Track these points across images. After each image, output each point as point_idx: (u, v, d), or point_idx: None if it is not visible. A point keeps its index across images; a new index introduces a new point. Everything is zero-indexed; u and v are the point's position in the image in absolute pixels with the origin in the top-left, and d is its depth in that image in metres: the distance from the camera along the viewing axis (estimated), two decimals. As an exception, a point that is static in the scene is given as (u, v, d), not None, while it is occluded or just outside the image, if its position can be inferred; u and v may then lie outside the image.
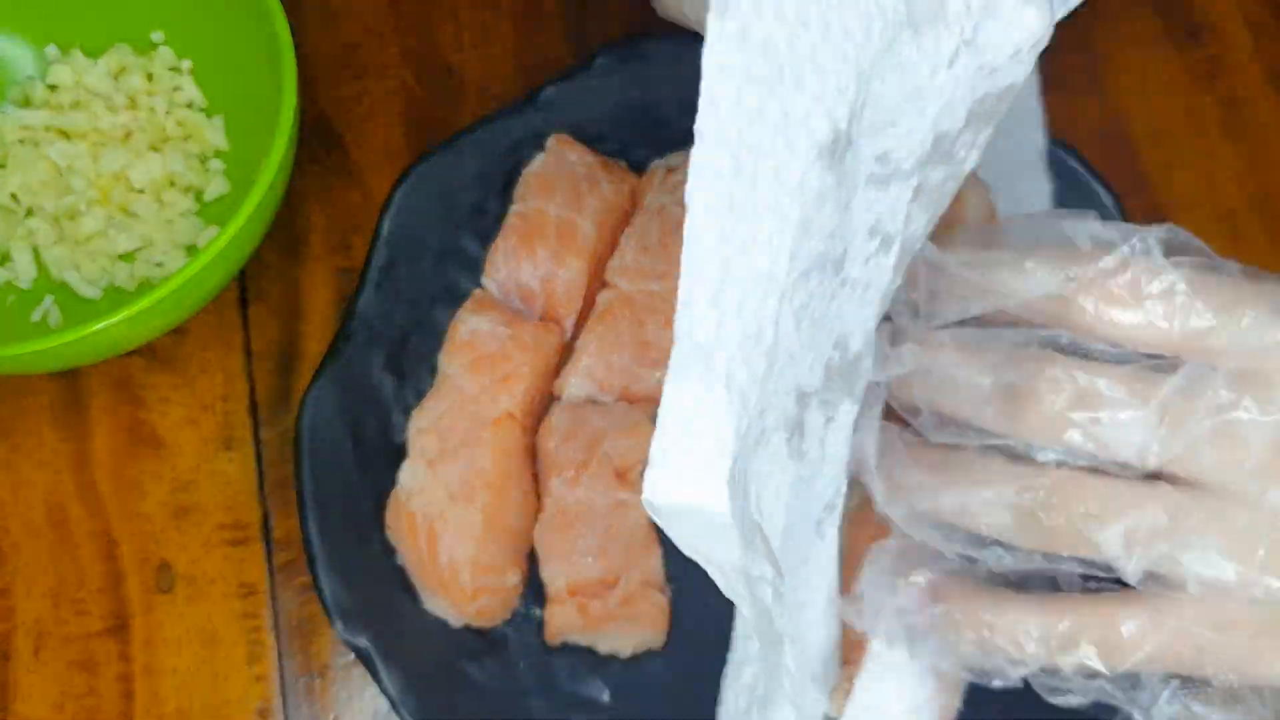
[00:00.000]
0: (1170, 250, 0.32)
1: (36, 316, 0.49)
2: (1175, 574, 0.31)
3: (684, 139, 0.52)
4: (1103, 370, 0.31)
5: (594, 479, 0.43)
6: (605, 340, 0.46)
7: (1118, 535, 0.31)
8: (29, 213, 0.50)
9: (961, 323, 0.35)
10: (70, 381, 0.49)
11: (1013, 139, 0.45)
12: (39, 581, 0.47)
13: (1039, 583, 0.34)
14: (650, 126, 0.51)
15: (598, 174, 0.48)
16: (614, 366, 0.46)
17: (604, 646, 0.44)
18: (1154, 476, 0.32)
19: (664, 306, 0.46)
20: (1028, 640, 0.33)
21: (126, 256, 0.50)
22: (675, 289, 0.46)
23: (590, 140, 0.51)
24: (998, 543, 0.34)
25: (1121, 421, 0.31)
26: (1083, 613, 0.32)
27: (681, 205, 0.47)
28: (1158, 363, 0.32)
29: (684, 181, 0.48)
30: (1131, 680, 0.32)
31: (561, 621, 0.43)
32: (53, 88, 0.51)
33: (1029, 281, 0.33)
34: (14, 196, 0.50)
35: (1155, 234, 0.32)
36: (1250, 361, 0.31)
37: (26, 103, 0.51)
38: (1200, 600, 0.31)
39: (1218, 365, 0.31)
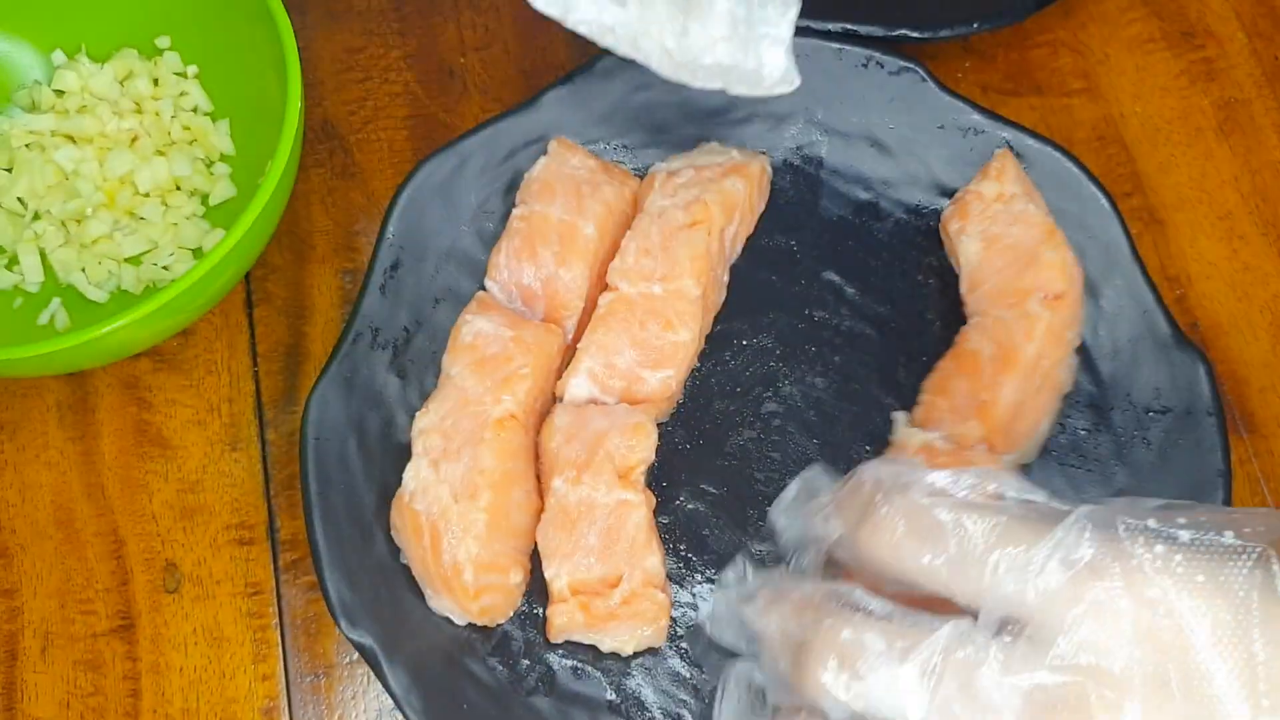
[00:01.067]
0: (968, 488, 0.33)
1: (44, 319, 0.49)
2: None
3: (684, 142, 0.53)
4: (873, 624, 0.32)
5: (596, 479, 0.44)
6: (606, 342, 0.46)
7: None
8: (36, 216, 0.50)
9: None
10: (77, 383, 0.50)
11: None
12: (46, 581, 0.47)
13: None
14: (651, 130, 0.52)
15: (599, 177, 0.49)
16: (615, 368, 0.46)
17: (606, 645, 0.44)
18: None
19: (665, 308, 0.47)
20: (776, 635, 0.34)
21: (133, 260, 0.50)
22: (676, 291, 0.47)
23: (592, 143, 0.51)
24: None
25: (882, 681, 0.31)
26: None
27: (683, 208, 0.48)
28: (935, 618, 0.31)
29: (684, 185, 0.49)
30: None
31: (563, 620, 0.43)
32: (59, 93, 0.52)
33: (829, 527, 0.35)
34: (21, 200, 0.50)
35: (930, 480, 0.33)
36: (1012, 614, 0.30)
37: (33, 107, 0.52)
38: None
39: (980, 616, 0.31)
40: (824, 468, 0.38)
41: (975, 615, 0.31)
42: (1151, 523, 0.31)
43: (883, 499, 0.33)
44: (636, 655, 0.45)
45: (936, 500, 0.32)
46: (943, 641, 0.31)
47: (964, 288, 0.48)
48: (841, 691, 0.31)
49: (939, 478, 0.33)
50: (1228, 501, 0.45)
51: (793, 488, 0.38)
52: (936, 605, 0.32)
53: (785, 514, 0.38)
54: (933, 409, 0.46)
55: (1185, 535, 0.30)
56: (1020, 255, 0.47)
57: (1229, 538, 0.30)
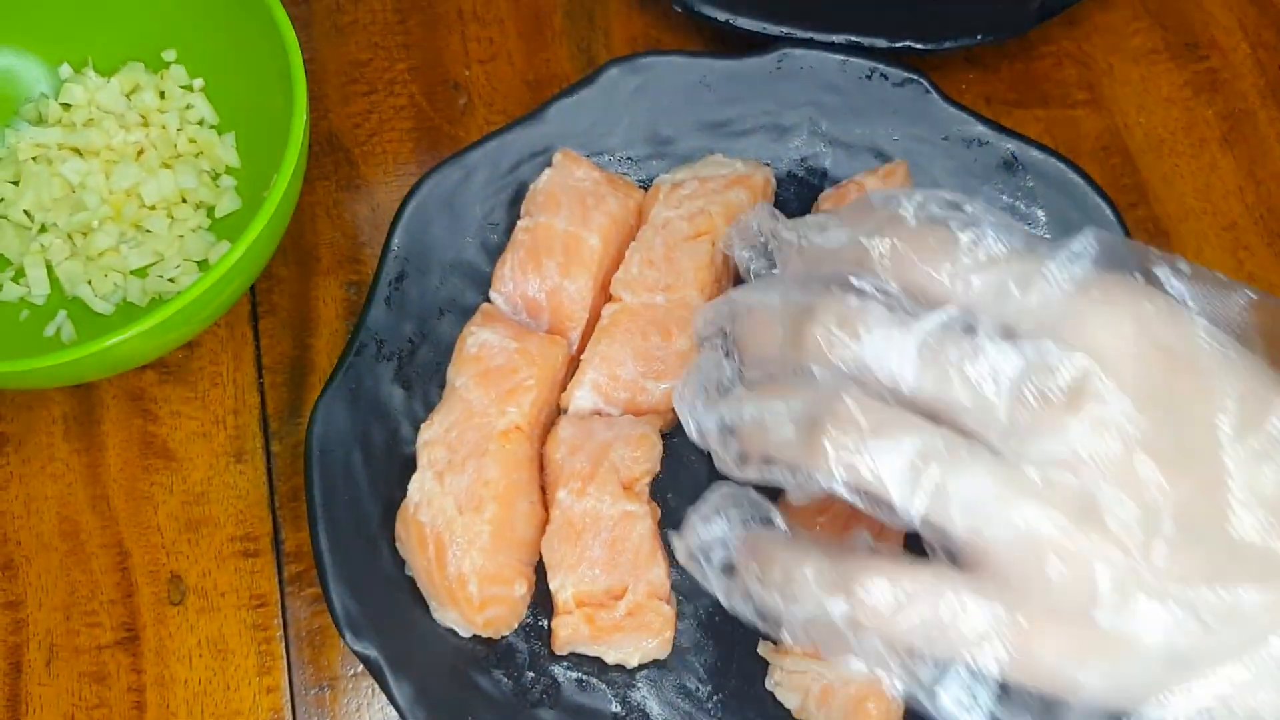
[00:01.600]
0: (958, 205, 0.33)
1: (50, 331, 0.49)
2: (946, 517, 0.30)
3: (689, 154, 0.53)
4: (874, 303, 0.32)
5: (600, 490, 0.44)
6: (611, 353, 0.46)
7: (893, 465, 0.30)
8: (43, 229, 0.51)
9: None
10: (83, 395, 0.50)
11: None
12: (51, 594, 0.47)
13: None
14: (656, 142, 0.52)
15: (603, 189, 0.49)
16: (620, 379, 0.46)
17: (611, 657, 0.44)
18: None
19: (669, 319, 0.47)
20: (802, 581, 0.32)
21: (139, 272, 0.50)
22: (680, 302, 0.47)
23: (596, 155, 0.51)
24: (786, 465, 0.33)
25: (880, 342, 0.31)
26: (860, 563, 0.31)
27: (687, 220, 0.48)
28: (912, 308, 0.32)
29: (689, 196, 0.49)
30: (911, 653, 0.31)
31: (568, 632, 0.43)
32: (66, 106, 0.52)
33: (828, 236, 0.34)
34: (28, 213, 0.51)
35: (941, 195, 0.33)
36: (1011, 315, 0.31)
37: (40, 120, 0.52)
38: (974, 575, 0.30)
39: (980, 315, 0.31)
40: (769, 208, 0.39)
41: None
42: (1155, 250, 0.31)
43: (891, 203, 0.33)
44: (642, 667, 0.45)
45: (949, 212, 0.32)
46: (947, 317, 0.31)
47: None
48: (838, 349, 0.31)
49: (949, 195, 0.33)
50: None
51: (748, 217, 0.39)
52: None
53: (740, 240, 0.39)
54: None
55: (1185, 267, 0.31)
56: None
57: (1223, 277, 0.31)
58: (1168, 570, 0.28)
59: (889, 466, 0.30)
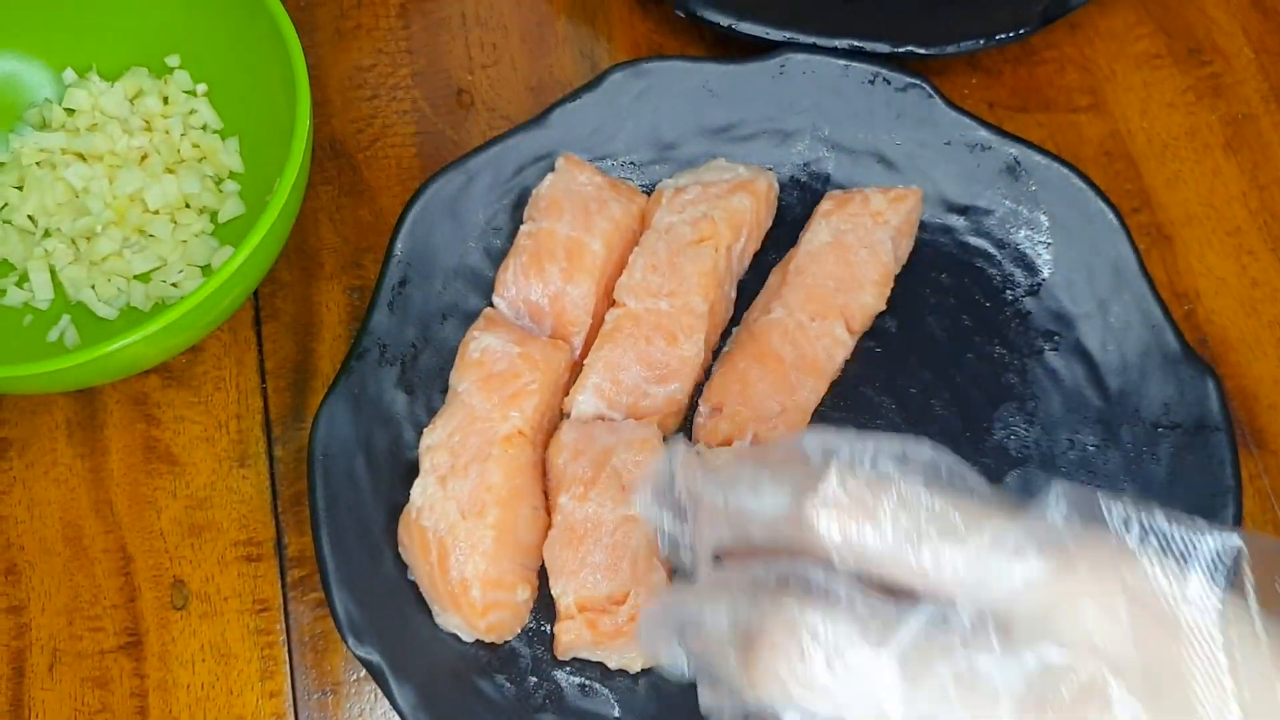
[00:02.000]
0: (906, 462, 0.29)
1: (53, 336, 0.49)
2: None
3: (691, 159, 0.53)
4: (840, 608, 0.28)
5: (602, 495, 0.44)
6: (614, 358, 0.46)
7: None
8: (46, 234, 0.51)
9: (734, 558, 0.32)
10: (86, 400, 0.50)
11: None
12: (54, 598, 0.47)
13: None
14: (659, 147, 0.52)
15: (606, 194, 0.49)
16: (622, 383, 0.46)
17: (614, 662, 0.44)
18: None
19: (672, 324, 0.47)
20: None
21: (142, 277, 0.50)
22: (682, 307, 0.47)
23: (599, 160, 0.51)
24: None
25: (854, 672, 0.27)
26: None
27: (690, 225, 0.48)
28: (901, 605, 0.28)
29: (692, 201, 0.49)
30: None
31: (571, 637, 0.43)
32: (70, 111, 0.52)
33: (763, 501, 0.30)
34: (31, 218, 0.51)
35: (889, 446, 0.29)
36: (993, 602, 0.28)
37: (44, 125, 0.52)
38: None
39: (958, 603, 0.28)
40: (687, 445, 0.34)
41: (942, 602, 0.28)
42: (1129, 506, 0.29)
43: (836, 470, 0.29)
44: (644, 673, 0.45)
45: (894, 476, 0.29)
46: (924, 624, 0.27)
47: (792, 266, 0.48)
48: (805, 686, 0.27)
49: (891, 446, 0.30)
50: (1238, 518, 0.45)
51: (663, 466, 0.33)
52: (896, 593, 0.29)
53: (656, 498, 0.33)
54: (737, 413, 0.46)
55: (1162, 521, 0.28)
56: (850, 275, 0.48)
57: (1202, 525, 0.28)
58: None
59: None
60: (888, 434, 0.30)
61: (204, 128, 0.52)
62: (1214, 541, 0.28)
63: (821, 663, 0.27)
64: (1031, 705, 0.27)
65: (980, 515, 0.28)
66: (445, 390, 0.46)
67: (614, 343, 0.47)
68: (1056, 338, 0.49)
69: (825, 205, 0.50)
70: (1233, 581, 0.28)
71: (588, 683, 0.45)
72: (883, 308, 0.49)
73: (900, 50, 0.52)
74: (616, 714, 0.44)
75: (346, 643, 0.43)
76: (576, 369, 0.47)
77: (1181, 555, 0.28)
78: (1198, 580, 0.28)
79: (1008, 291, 0.50)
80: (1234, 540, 0.28)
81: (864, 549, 0.28)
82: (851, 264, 0.48)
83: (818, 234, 0.49)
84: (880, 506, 0.28)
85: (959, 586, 0.28)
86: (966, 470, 0.30)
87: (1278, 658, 0.27)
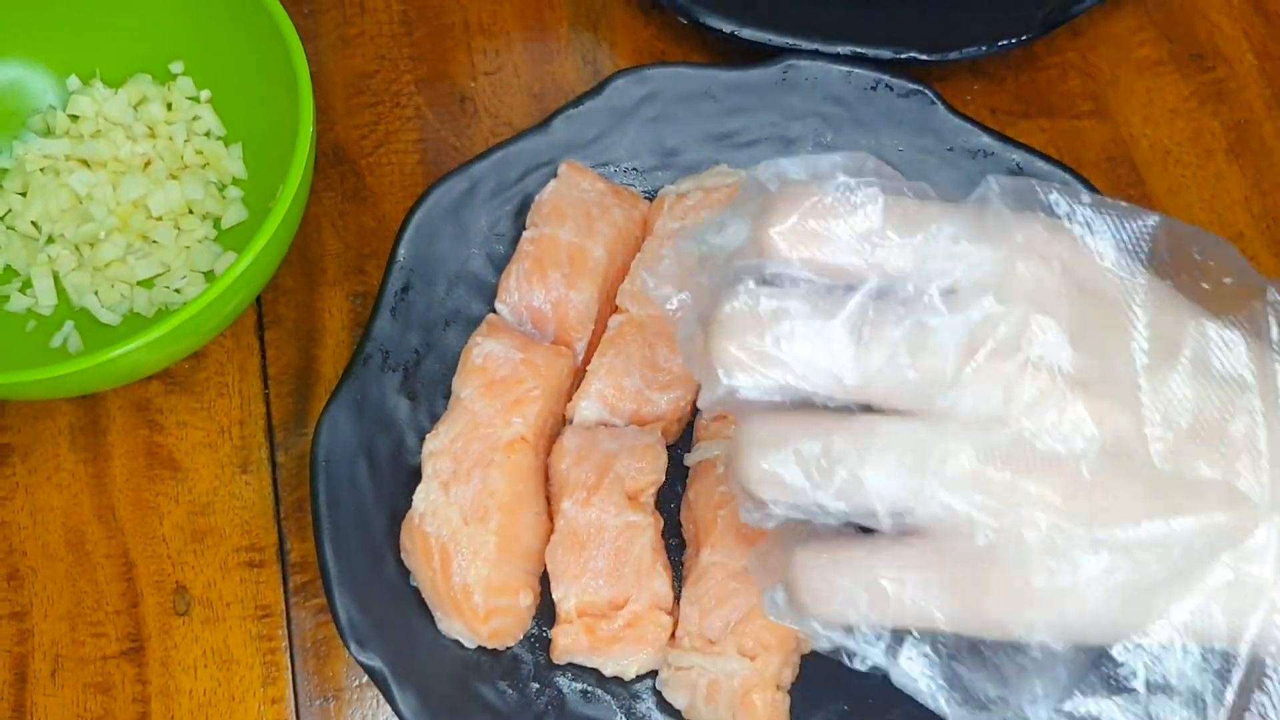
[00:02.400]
0: (853, 173, 0.31)
1: (56, 342, 0.49)
2: (867, 512, 0.29)
3: (694, 165, 0.53)
4: (790, 293, 0.29)
5: (605, 501, 0.44)
6: (616, 364, 0.46)
7: (794, 466, 0.29)
8: (50, 240, 0.51)
9: None
10: (89, 405, 0.50)
11: None
12: (57, 604, 0.47)
13: None
14: (661, 153, 0.52)
15: (609, 200, 0.49)
16: (625, 390, 0.46)
17: (609, 669, 0.44)
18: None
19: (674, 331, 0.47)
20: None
21: (146, 283, 0.50)
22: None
23: (601, 167, 0.51)
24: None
25: (808, 340, 0.29)
26: (795, 555, 0.30)
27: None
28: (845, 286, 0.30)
29: (694, 207, 0.49)
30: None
31: (568, 641, 0.43)
32: (74, 117, 0.52)
33: (726, 235, 0.31)
34: (35, 224, 0.51)
35: (837, 161, 0.31)
36: (935, 278, 0.29)
37: (48, 132, 0.52)
38: (910, 546, 0.29)
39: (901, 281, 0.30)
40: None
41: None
42: (1054, 185, 0.31)
43: (789, 189, 0.30)
44: (645, 678, 0.45)
45: (844, 185, 0.30)
46: (871, 295, 0.29)
47: None
48: (760, 360, 0.29)
49: (837, 161, 0.31)
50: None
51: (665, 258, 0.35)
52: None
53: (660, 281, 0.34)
54: None
55: (1087, 197, 0.31)
56: None
57: (1126, 207, 0.31)
58: (1097, 514, 0.28)
59: (792, 475, 0.29)
60: (832, 152, 0.32)
61: (207, 134, 0.53)
62: (1137, 221, 0.31)
63: (775, 336, 0.29)
64: (972, 348, 0.28)
65: (922, 211, 0.30)
66: (448, 396, 0.46)
67: (617, 349, 0.47)
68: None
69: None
70: (1152, 258, 0.31)
71: (590, 689, 0.45)
72: None
73: (902, 56, 0.52)
74: (619, 720, 0.44)
75: (349, 648, 0.43)
76: (579, 375, 0.47)
77: (1107, 232, 0.31)
78: (1119, 251, 0.30)
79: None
80: (1153, 219, 0.31)
81: (815, 258, 0.30)
82: None
83: None
84: (833, 217, 0.30)
85: (907, 268, 0.29)
86: (903, 180, 0.31)
87: (1183, 305, 0.30)
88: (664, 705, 0.44)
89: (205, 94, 0.53)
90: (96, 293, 0.50)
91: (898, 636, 0.30)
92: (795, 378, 0.29)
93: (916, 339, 0.29)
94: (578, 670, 0.45)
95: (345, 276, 0.52)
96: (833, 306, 0.29)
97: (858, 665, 0.30)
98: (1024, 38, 0.53)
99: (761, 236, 0.30)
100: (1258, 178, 0.55)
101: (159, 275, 0.50)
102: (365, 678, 0.46)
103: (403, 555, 0.45)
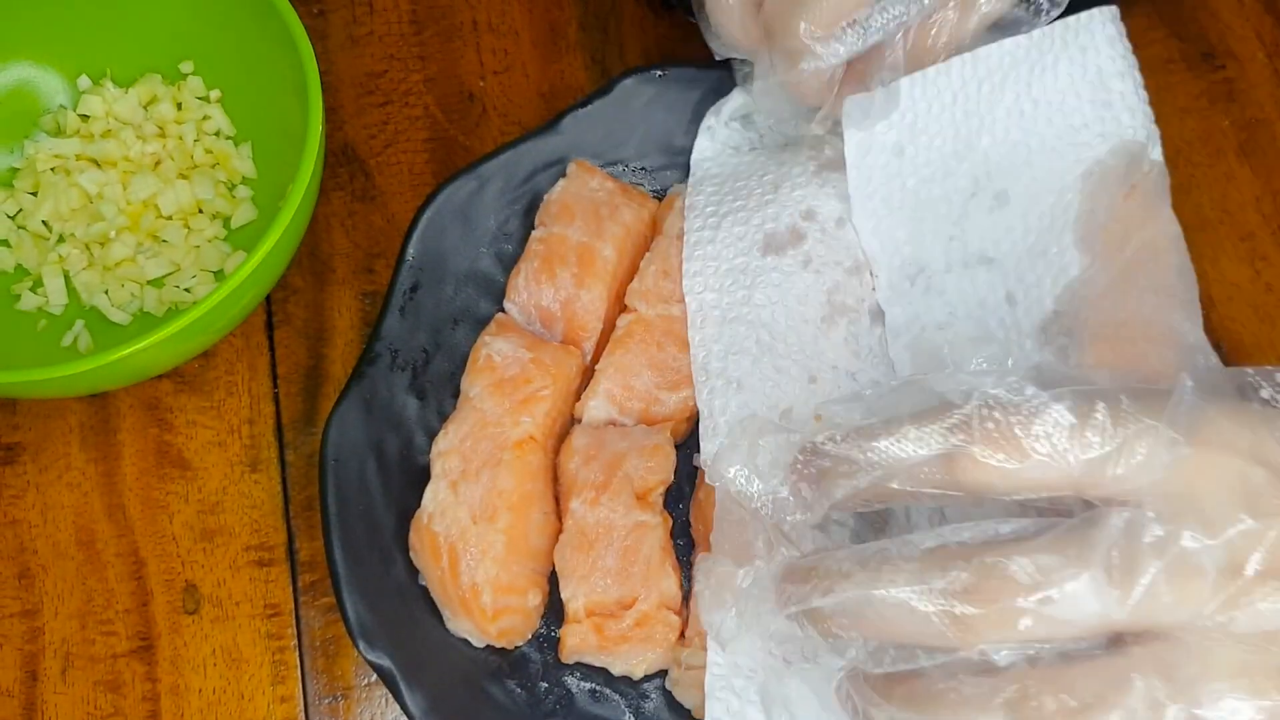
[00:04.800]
0: (1044, 383, 0.31)
1: (67, 341, 0.49)
2: None
3: (703, 164, 0.53)
4: (1028, 546, 0.30)
5: (614, 500, 0.44)
6: (625, 363, 0.46)
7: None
8: (60, 239, 0.51)
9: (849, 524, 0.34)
10: (99, 404, 0.50)
11: None
12: (67, 602, 0.47)
13: None
14: (670, 152, 0.52)
15: (618, 199, 0.49)
16: (634, 389, 0.46)
17: (617, 668, 0.44)
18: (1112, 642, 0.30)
19: (683, 330, 0.47)
20: None
21: (156, 282, 0.51)
22: (694, 312, 0.47)
23: (610, 166, 0.51)
24: None
25: (1071, 594, 0.29)
26: None
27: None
28: (1073, 521, 0.30)
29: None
30: None
31: (576, 640, 0.43)
32: (84, 117, 0.52)
33: (909, 447, 0.31)
34: (46, 224, 0.51)
35: (1024, 372, 0.31)
36: (1165, 487, 0.29)
37: (58, 132, 0.52)
38: None
39: (1133, 502, 0.30)
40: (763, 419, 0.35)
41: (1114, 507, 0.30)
42: (1248, 370, 0.31)
43: (980, 414, 0.30)
44: (653, 678, 0.45)
45: (1039, 403, 0.30)
46: (1116, 532, 0.29)
47: None
48: (1032, 623, 0.29)
49: (1023, 389, 0.31)
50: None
51: (738, 435, 0.35)
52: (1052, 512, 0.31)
53: (738, 461, 0.34)
54: None
55: None
56: None
57: None
58: None
59: None
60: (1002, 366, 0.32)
61: (217, 133, 0.53)
62: None
63: (1038, 598, 0.29)
64: (1235, 568, 0.29)
65: (1125, 416, 0.30)
66: (456, 395, 0.46)
67: (625, 348, 0.47)
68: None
69: None
70: None
71: (598, 688, 0.45)
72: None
73: (912, 55, 0.52)
74: (627, 719, 0.44)
75: (358, 647, 0.43)
76: (588, 374, 0.47)
77: None
78: None
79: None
80: None
81: (1023, 480, 0.30)
82: None
83: None
84: (1033, 434, 0.30)
85: (1125, 485, 0.29)
86: (1099, 385, 0.31)
87: None
88: (672, 704, 0.44)
89: (215, 94, 0.53)
90: (107, 292, 0.50)
91: None
92: (1064, 627, 0.30)
93: (1176, 573, 0.29)
94: (586, 669, 0.45)
95: (354, 276, 0.52)
96: (1081, 550, 0.29)
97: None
98: (1034, 37, 0.53)
99: (954, 454, 0.30)
100: (1269, 177, 0.54)
101: (169, 274, 0.51)
102: (374, 676, 0.46)
103: (411, 554, 0.45)
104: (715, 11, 0.44)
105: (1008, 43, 0.44)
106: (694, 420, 0.48)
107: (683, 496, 0.47)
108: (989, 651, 0.30)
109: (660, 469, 0.44)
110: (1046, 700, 0.30)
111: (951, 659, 0.31)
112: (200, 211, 0.52)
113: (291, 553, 0.48)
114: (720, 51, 0.46)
